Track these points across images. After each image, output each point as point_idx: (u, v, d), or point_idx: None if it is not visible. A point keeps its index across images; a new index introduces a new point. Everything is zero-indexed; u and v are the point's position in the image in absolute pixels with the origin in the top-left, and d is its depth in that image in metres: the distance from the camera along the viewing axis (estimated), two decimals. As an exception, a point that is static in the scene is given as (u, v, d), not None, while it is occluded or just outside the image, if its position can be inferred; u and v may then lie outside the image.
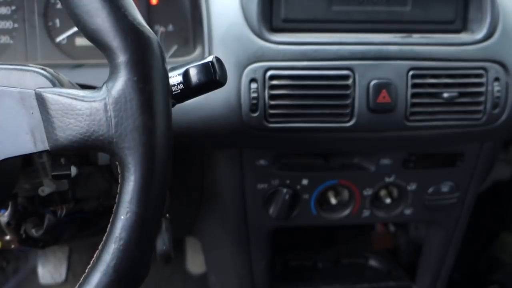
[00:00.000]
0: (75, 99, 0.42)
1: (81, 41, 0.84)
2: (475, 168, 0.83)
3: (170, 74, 0.55)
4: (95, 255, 0.43)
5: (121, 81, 0.41)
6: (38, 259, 1.33)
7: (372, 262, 1.06)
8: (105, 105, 0.42)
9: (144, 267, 0.43)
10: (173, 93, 0.55)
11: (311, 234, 1.12)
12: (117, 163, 0.43)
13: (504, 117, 0.75)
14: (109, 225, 0.43)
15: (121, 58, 0.41)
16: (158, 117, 0.42)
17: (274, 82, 0.69)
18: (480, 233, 1.63)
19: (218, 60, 0.55)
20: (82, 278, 0.43)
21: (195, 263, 1.49)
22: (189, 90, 0.55)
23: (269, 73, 0.69)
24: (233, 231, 0.84)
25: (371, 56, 0.71)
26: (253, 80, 0.69)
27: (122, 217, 0.42)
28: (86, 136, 0.42)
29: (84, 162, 0.67)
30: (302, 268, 1.03)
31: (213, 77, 0.54)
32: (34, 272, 1.38)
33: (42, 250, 1.35)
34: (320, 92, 0.70)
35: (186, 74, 0.54)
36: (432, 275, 0.94)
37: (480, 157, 0.82)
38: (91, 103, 0.42)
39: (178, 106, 0.70)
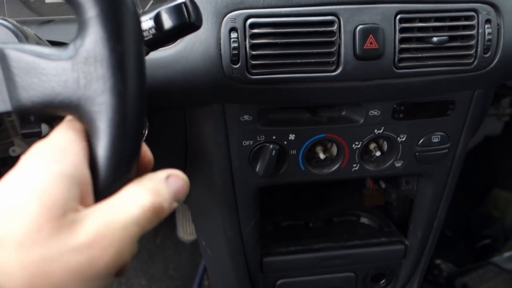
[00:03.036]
0: (40, 57, 0.39)
1: (51, -3, 0.79)
2: (466, 117, 0.80)
3: (140, 19, 0.51)
4: None
5: (90, 39, 0.38)
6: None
7: (364, 220, 1.05)
8: (73, 64, 0.38)
9: None
10: (145, 39, 0.52)
11: (303, 195, 1.11)
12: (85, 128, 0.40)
13: (495, 61, 0.73)
14: None
15: (90, 13, 0.37)
16: (130, 79, 0.39)
17: (255, 30, 0.66)
18: (472, 189, 1.63)
19: (191, 1, 0.51)
20: None
21: (186, 230, 1.48)
22: (162, 35, 0.51)
23: (250, 21, 0.65)
24: (220, 191, 0.82)
25: (357, 0, 0.67)
26: (233, 29, 0.65)
27: None
28: (51, 98, 0.39)
29: (57, 119, 0.64)
30: (294, 228, 1.02)
31: (186, 19, 0.50)
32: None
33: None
34: (303, 40, 0.67)
35: (157, 18, 0.51)
36: (424, 229, 0.93)
37: (471, 105, 0.79)
38: (57, 62, 0.38)
39: (155, 59, 0.67)
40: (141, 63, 0.40)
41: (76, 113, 0.39)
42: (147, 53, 0.54)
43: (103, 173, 0.38)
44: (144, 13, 0.52)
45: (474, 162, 1.58)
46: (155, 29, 0.51)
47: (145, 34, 0.51)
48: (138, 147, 0.41)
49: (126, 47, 0.38)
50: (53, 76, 0.38)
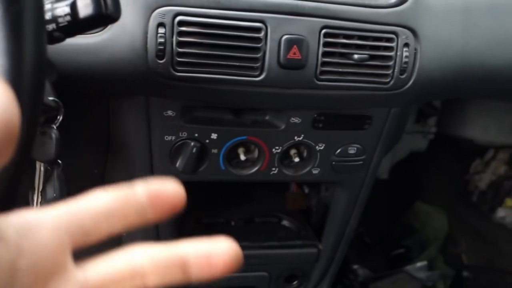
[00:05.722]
0: None
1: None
2: (382, 133, 0.85)
3: (57, 5, 0.51)
4: None
5: None
6: None
7: (285, 222, 1.07)
8: None
9: None
10: (60, 25, 0.51)
11: (227, 192, 1.12)
12: None
13: (410, 82, 0.77)
14: None
15: None
16: (26, 42, 0.38)
17: (183, 28, 0.66)
18: (396, 201, 1.72)
19: (110, -8, 0.51)
20: None
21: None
22: (76, 23, 0.51)
23: (178, 18, 0.66)
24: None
25: (285, 10, 0.69)
26: (160, 24, 0.66)
27: None
28: None
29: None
30: (215, 225, 1.03)
31: (103, 10, 0.50)
32: None
33: None
34: (230, 43, 0.68)
35: (73, 5, 0.50)
36: (337, 235, 0.97)
37: (387, 122, 0.84)
38: None
39: (79, 44, 0.66)
40: (39, 24, 0.39)
41: None
42: (63, 40, 0.53)
43: None
44: (62, -1, 0.51)
45: (399, 175, 1.66)
46: (70, 16, 0.50)
47: (59, 20, 0.50)
48: (36, 114, 0.40)
49: (21, 8, 0.37)
50: None
